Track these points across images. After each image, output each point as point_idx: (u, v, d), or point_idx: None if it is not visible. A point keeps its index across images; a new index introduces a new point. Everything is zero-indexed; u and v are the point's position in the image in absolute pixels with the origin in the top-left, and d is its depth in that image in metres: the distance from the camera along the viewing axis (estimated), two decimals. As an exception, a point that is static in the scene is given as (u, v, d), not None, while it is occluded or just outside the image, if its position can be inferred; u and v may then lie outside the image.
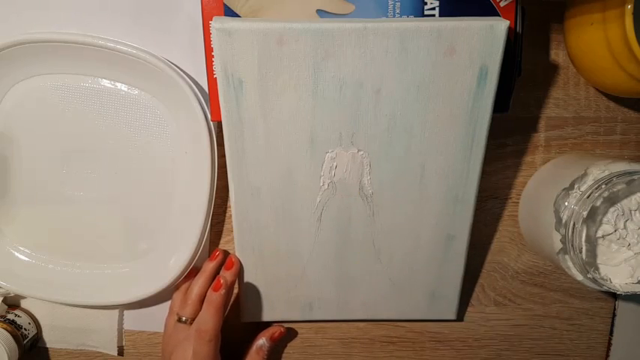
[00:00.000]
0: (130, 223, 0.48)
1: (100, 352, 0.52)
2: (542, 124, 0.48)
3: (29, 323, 0.50)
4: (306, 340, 0.53)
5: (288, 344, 0.53)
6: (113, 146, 0.46)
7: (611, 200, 0.41)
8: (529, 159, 0.48)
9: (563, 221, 0.40)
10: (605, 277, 0.41)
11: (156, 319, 0.50)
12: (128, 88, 0.45)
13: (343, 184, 0.42)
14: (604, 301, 0.52)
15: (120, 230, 0.48)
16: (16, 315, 0.49)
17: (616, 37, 0.37)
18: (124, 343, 0.52)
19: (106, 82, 0.45)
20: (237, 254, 0.45)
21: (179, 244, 0.46)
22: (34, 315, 0.51)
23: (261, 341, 0.49)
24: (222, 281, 0.43)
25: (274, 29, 0.35)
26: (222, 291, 0.43)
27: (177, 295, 0.48)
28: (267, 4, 0.39)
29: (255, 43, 0.36)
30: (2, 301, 0.49)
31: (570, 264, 0.41)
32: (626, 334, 0.51)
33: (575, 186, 0.40)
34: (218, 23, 0.35)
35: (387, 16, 0.39)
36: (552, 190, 0.42)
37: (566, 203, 0.40)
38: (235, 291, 0.49)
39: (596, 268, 0.41)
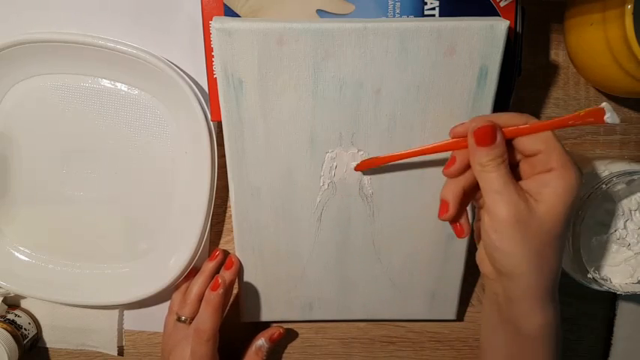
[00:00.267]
0: (130, 223, 0.48)
1: (100, 352, 0.52)
2: (542, 124, 0.48)
3: (29, 323, 0.50)
4: (306, 340, 0.53)
5: (288, 344, 0.53)
6: (113, 146, 0.46)
7: (611, 200, 0.41)
8: (529, 159, 0.48)
9: (563, 221, 0.40)
10: (605, 277, 0.41)
11: (156, 319, 0.50)
12: (128, 88, 0.45)
13: (343, 184, 0.42)
14: (604, 301, 0.52)
15: (120, 230, 0.48)
16: (16, 315, 0.49)
17: (616, 37, 0.37)
18: (124, 343, 0.52)
19: (106, 82, 0.45)
20: (237, 254, 0.45)
21: (179, 244, 0.46)
22: (34, 315, 0.51)
23: (260, 342, 0.49)
24: (220, 281, 0.43)
25: (274, 29, 0.35)
26: (221, 290, 0.43)
27: (177, 295, 0.48)
28: (267, 4, 0.39)
29: (255, 43, 0.36)
30: (2, 301, 0.49)
31: (570, 264, 0.41)
32: (626, 334, 0.51)
33: (575, 186, 0.40)
34: (218, 23, 0.35)
35: (387, 16, 0.39)
36: (552, 190, 0.42)
37: (566, 203, 0.40)
38: (235, 291, 0.49)
39: (596, 268, 0.41)
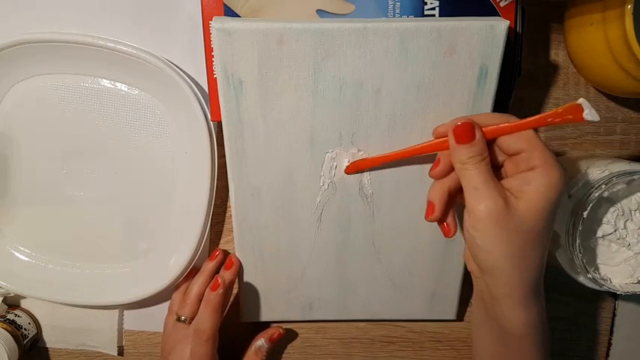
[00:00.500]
0: (130, 223, 0.48)
1: (100, 352, 0.52)
2: (542, 124, 0.48)
3: (29, 323, 0.50)
4: (306, 340, 0.53)
5: (288, 344, 0.53)
6: (113, 146, 0.46)
7: (611, 200, 0.41)
8: (529, 159, 0.48)
9: (563, 221, 0.40)
10: (605, 277, 0.41)
11: (156, 319, 0.50)
12: (128, 88, 0.45)
13: (343, 184, 0.42)
14: (604, 301, 0.52)
15: (120, 230, 0.48)
16: (16, 315, 0.49)
17: (616, 37, 0.37)
18: (124, 343, 0.52)
19: (106, 82, 0.45)
20: (237, 254, 0.45)
21: (179, 244, 0.46)
22: (34, 315, 0.51)
23: (260, 342, 0.49)
24: (220, 281, 0.43)
25: (274, 29, 0.35)
26: (220, 290, 0.43)
27: (177, 295, 0.48)
28: (267, 4, 0.39)
29: (255, 43, 0.36)
30: (2, 301, 0.49)
31: (570, 264, 0.41)
32: (626, 334, 0.51)
33: (575, 186, 0.40)
34: (218, 23, 0.35)
35: (387, 16, 0.39)
36: (552, 190, 0.42)
37: (566, 203, 0.40)
38: (235, 291, 0.49)
39: (596, 268, 0.41)
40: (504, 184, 0.32)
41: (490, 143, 0.33)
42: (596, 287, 0.40)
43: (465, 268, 0.46)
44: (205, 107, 0.42)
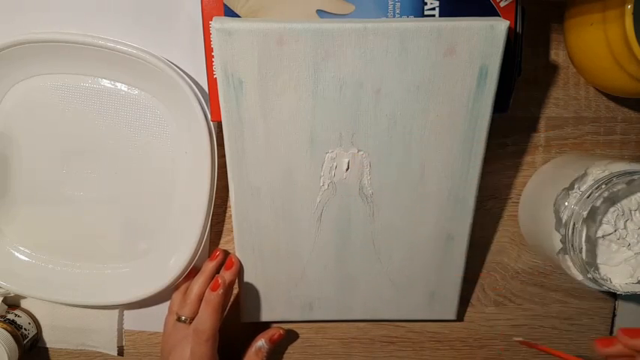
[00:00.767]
0: (130, 223, 0.48)
1: (100, 352, 0.52)
2: (542, 124, 0.48)
3: (29, 323, 0.50)
4: (306, 340, 0.53)
5: (288, 344, 0.53)
6: (113, 146, 0.46)
7: (611, 200, 0.41)
8: (529, 159, 0.48)
9: (563, 221, 0.40)
10: (605, 277, 0.41)
11: (156, 319, 0.50)
12: (128, 88, 0.45)
13: (343, 184, 0.42)
14: (604, 301, 0.52)
15: (120, 230, 0.48)
16: (16, 315, 0.49)
17: (616, 37, 0.37)
18: (124, 343, 0.52)
19: (106, 82, 0.45)
20: (237, 254, 0.45)
21: (179, 244, 0.46)
22: (34, 315, 0.51)
23: (260, 342, 0.49)
24: (220, 281, 0.43)
25: (274, 29, 0.35)
26: (220, 291, 0.43)
27: (177, 295, 0.48)
28: (267, 5, 0.39)
29: (255, 43, 0.36)
30: (2, 301, 0.49)
31: (570, 264, 0.41)
32: (626, 334, 0.51)
33: (575, 186, 0.40)
34: (218, 23, 0.35)
35: (387, 16, 0.39)
36: (552, 190, 0.42)
37: (566, 203, 0.40)
38: (235, 291, 0.49)
39: (596, 268, 0.41)
40: None
41: None
42: (596, 287, 0.40)
43: (465, 268, 0.46)
44: (205, 107, 0.42)
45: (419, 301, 0.48)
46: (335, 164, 0.41)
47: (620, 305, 0.51)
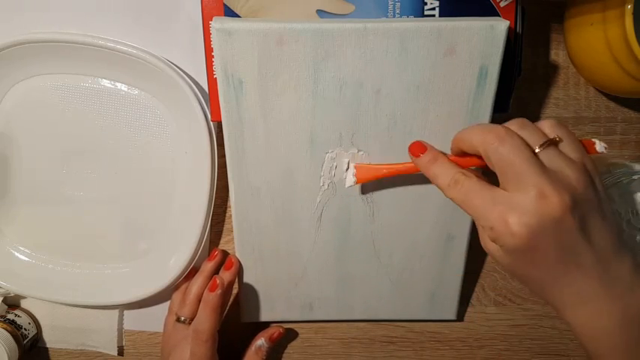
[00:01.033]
0: (130, 223, 0.48)
1: (100, 352, 0.52)
2: (542, 124, 0.48)
3: (29, 323, 0.50)
4: (306, 340, 0.53)
5: (288, 344, 0.53)
6: (113, 146, 0.46)
7: (611, 200, 0.41)
8: (529, 159, 0.48)
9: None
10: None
11: (156, 319, 0.50)
12: (128, 88, 0.45)
13: (343, 184, 0.42)
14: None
15: (120, 230, 0.48)
16: (16, 315, 0.49)
17: (616, 37, 0.37)
18: (124, 343, 0.52)
19: (106, 82, 0.45)
20: (237, 254, 0.45)
21: (179, 244, 0.46)
22: (34, 315, 0.51)
23: (260, 342, 0.49)
24: (218, 281, 0.43)
25: (274, 29, 0.35)
26: (219, 291, 0.43)
27: (177, 295, 0.48)
28: (267, 5, 0.39)
29: (255, 43, 0.36)
30: (2, 301, 0.49)
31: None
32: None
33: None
34: (218, 23, 0.35)
35: (387, 16, 0.39)
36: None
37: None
38: (235, 291, 0.49)
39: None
40: None
41: None
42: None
43: (465, 268, 0.46)
44: (205, 107, 0.42)
45: (419, 301, 0.48)
46: (335, 164, 0.41)
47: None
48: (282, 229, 0.44)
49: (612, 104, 0.47)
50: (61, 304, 0.50)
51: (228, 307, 0.49)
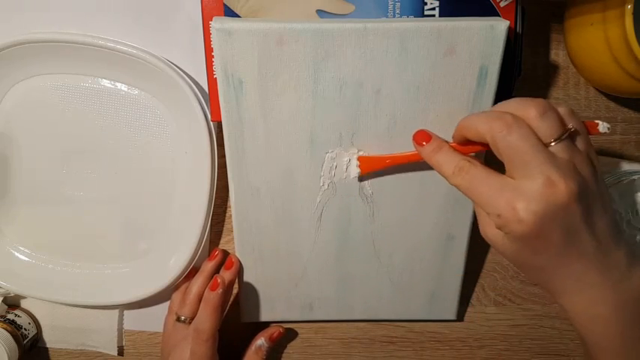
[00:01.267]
0: (130, 223, 0.48)
1: (100, 352, 0.52)
2: (542, 124, 0.48)
3: (29, 323, 0.50)
4: (306, 340, 0.53)
5: (288, 344, 0.53)
6: (113, 146, 0.46)
7: (611, 200, 0.41)
8: (529, 159, 0.48)
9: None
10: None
11: (156, 319, 0.50)
12: (128, 88, 0.45)
13: (343, 184, 0.42)
14: (604, 301, 0.52)
15: (120, 230, 0.48)
16: (16, 315, 0.49)
17: (616, 37, 0.37)
18: (124, 343, 0.52)
19: (106, 82, 0.45)
20: (237, 254, 0.45)
21: (179, 244, 0.46)
22: (34, 315, 0.51)
23: (260, 341, 0.49)
24: (219, 281, 0.43)
25: (274, 29, 0.35)
26: (219, 290, 0.43)
27: (177, 295, 0.48)
28: (267, 5, 0.39)
29: (255, 43, 0.36)
30: (2, 301, 0.49)
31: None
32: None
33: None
34: (218, 23, 0.35)
35: (387, 16, 0.39)
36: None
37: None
38: (235, 291, 0.49)
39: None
40: None
41: None
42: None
43: (465, 268, 0.46)
44: (205, 107, 0.42)
45: (419, 301, 0.48)
46: (335, 164, 0.41)
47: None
48: (282, 229, 0.44)
49: (612, 104, 0.47)
50: (61, 304, 0.50)
51: (228, 307, 0.49)
